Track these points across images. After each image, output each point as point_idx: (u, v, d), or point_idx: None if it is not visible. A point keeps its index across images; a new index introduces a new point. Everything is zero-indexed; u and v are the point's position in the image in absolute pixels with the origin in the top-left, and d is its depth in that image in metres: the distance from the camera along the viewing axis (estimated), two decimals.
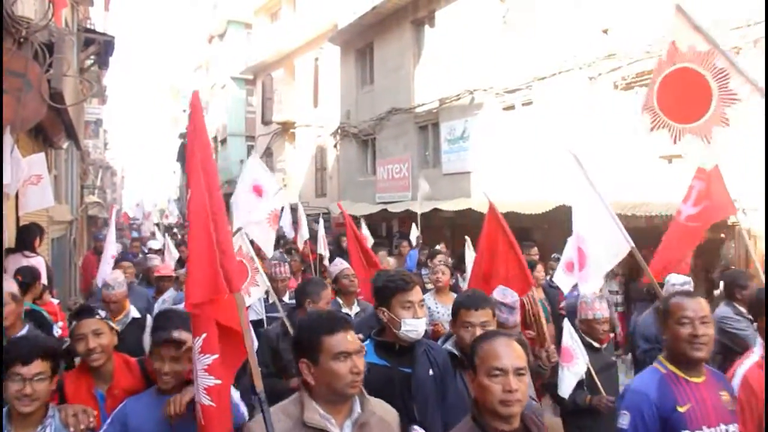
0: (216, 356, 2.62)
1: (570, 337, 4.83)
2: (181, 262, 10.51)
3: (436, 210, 14.68)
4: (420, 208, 14.18)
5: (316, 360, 2.48)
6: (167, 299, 7.23)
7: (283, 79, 26.64)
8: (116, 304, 5.43)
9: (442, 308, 6.30)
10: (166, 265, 9.29)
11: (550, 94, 12.57)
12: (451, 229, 15.77)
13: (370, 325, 4.13)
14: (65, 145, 13.20)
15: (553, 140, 12.29)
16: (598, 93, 11.45)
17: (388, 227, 19.45)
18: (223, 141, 35.30)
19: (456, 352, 3.53)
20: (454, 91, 15.39)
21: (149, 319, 5.21)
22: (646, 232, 10.70)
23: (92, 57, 13.00)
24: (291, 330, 4.54)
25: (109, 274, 6.49)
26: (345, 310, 5.54)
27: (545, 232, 12.79)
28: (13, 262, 6.10)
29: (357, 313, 5.76)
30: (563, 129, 12.08)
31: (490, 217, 5.28)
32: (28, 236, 6.83)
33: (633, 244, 5.01)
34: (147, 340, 4.58)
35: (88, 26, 14.08)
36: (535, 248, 9.54)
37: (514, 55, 13.52)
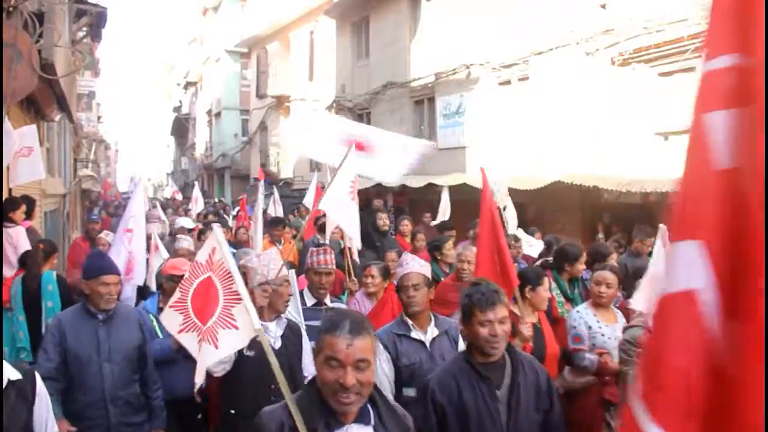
0: None
1: None
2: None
3: (430, 185, 14.64)
4: (413, 182, 14.14)
5: None
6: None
7: (278, 52, 26.41)
8: None
9: (607, 329, 4.72)
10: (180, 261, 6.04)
11: (547, 69, 12.49)
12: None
13: None
14: (57, 118, 13.11)
15: (550, 116, 12.25)
16: (595, 68, 11.38)
17: (383, 202, 19.41)
18: (218, 115, 35.08)
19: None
20: (450, 65, 15.27)
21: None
22: (641, 209, 10.74)
23: (84, 29, 12.84)
24: None
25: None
26: (417, 335, 3.88)
27: (540, 208, 12.79)
28: None
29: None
30: (559, 105, 12.03)
31: (484, 203, 4.97)
32: (9, 207, 6.81)
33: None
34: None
35: None
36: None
37: (510, 30, 13.40)
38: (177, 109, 49.42)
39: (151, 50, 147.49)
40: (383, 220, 9.68)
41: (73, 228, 18.75)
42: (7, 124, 5.95)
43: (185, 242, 7.36)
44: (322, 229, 9.64)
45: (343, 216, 5.62)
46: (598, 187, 10.04)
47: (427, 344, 3.82)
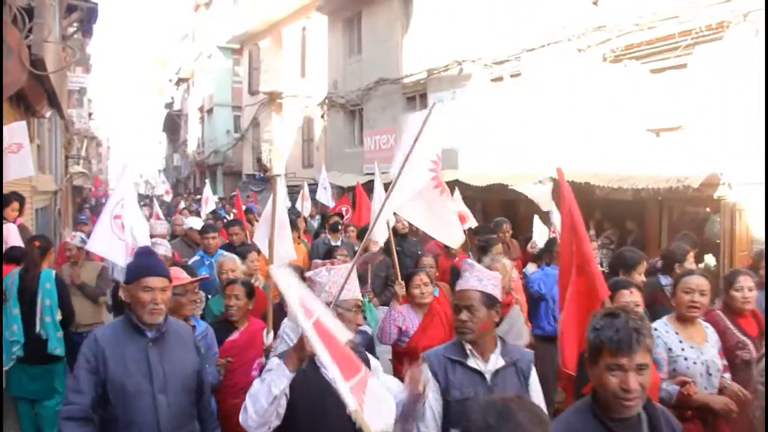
0: None
1: None
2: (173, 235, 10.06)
3: None
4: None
5: None
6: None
7: (270, 48, 26.34)
8: None
9: (692, 351, 3.87)
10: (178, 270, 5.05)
11: (539, 65, 12.49)
12: None
13: None
14: (48, 114, 13.04)
15: (541, 112, 12.25)
16: (587, 65, 11.39)
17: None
18: (210, 111, 34.97)
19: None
20: (442, 61, 15.26)
21: None
22: (633, 206, 10.77)
23: (75, 24, 12.80)
24: None
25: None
26: (475, 363, 3.17)
27: (531, 205, 12.79)
28: None
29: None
30: (551, 101, 12.03)
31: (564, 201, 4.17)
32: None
33: None
34: None
35: None
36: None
37: (503, 26, 13.40)
38: (169, 105, 49.26)
39: (142, 46, 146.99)
40: (401, 222, 8.58)
41: (64, 225, 18.66)
42: None
43: (161, 248, 6.41)
44: (333, 229, 9.48)
45: (421, 214, 4.72)
46: (590, 183, 10.05)
47: (488, 377, 3.07)
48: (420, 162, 4.18)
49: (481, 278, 3.22)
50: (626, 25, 10.56)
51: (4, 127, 6.42)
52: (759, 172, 8.00)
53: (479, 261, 5.64)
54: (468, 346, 3.10)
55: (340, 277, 3.21)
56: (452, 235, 5.33)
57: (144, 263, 3.30)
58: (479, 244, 6.90)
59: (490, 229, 8.46)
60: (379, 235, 5.92)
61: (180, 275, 4.27)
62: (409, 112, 17.39)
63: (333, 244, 8.85)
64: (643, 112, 10.37)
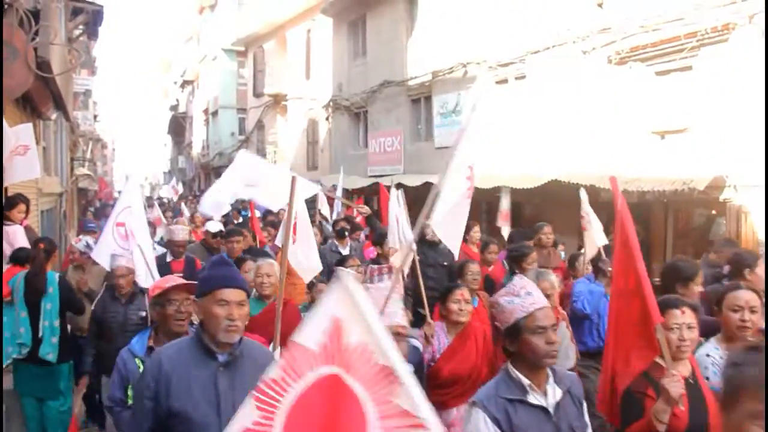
0: None
1: None
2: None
3: (427, 183, 14.64)
4: (410, 181, 14.13)
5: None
6: None
7: (274, 51, 26.37)
8: None
9: None
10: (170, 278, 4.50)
11: (544, 68, 12.48)
12: None
13: None
14: (54, 116, 13.07)
15: (546, 114, 12.24)
16: (592, 67, 11.38)
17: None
18: (215, 113, 35.02)
19: None
20: (447, 64, 15.25)
21: None
22: (638, 208, 10.74)
23: (81, 27, 12.84)
24: None
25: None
26: (536, 399, 2.74)
27: (537, 207, 12.78)
28: None
29: None
30: (556, 103, 12.02)
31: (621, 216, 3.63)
32: (7, 206, 6.82)
33: None
34: None
35: None
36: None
37: (507, 29, 13.39)
38: (174, 107, 49.32)
39: (147, 48, 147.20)
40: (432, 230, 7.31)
41: (69, 227, 18.70)
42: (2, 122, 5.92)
43: (122, 260, 5.76)
44: (340, 235, 9.13)
45: (450, 229, 4.55)
46: (594, 185, 10.03)
47: (551, 411, 2.69)
48: (459, 170, 4.06)
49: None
50: (631, 27, 10.55)
51: (11, 130, 6.43)
52: (763, 175, 7.98)
53: (511, 272, 5.39)
54: (526, 381, 2.70)
55: (381, 298, 2.76)
56: (458, 242, 5.12)
57: (220, 273, 2.87)
58: (511, 254, 6.23)
59: (527, 234, 7.57)
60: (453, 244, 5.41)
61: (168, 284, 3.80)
62: (414, 114, 17.42)
63: (341, 251, 8.63)
64: (648, 114, 10.35)
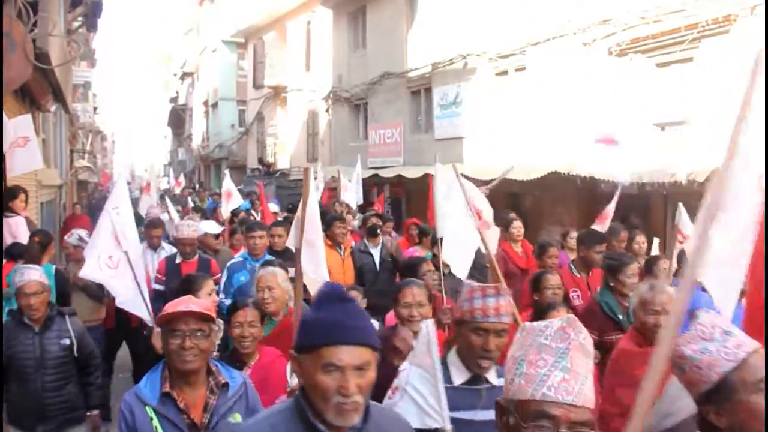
0: None
1: None
2: None
3: (427, 175, 14.65)
4: (409, 173, 14.12)
5: None
6: None
7: (274, 42, 26.30)
8: None
9: None
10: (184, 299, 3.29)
11: (544, 59, 12.45)
12: None
13: None
14: (53, 108, 13.06)
15: (546, 106, 12.22)
16: (592, 59, 11.35)
17: (379, 193, 19.42)
18: (215, 105, 34.99)
19: None
20: (447, 55, 15.23)
21: None
22: (637, 200, 10.74)
23: (80, 18, 12.81)
24: None
25: None
26: None
27: (536, 199, 12.79)
28: None
29: None
30: (556, 95, 12.00)
31: None
32: (9, 197, 6.81)
33: None
34: None
35: None
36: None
37: (507, 20, 13.36)
38: (173, 99, 49.32)
39: (147, 40, 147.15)
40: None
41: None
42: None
43: (35, 273, 4.54)
44: (371, 232, 7.95)
45: (459, 244, 4.27)
46: (594, 177, 10.03)
47: None
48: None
49: None
50: (632, 18, 10.52)
51: (10, 122, 6.43)
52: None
53: (606, 285, 4.76)
54: None
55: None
56: (462, 263, 4.76)
57: (329, 318, 1.81)
58: (609, 263, 4.95)
59: (601, 236, 6.41)
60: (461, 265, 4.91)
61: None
62: (414, 106, 17.39)
63: (371, 251, 7.64)
64: (648, 106, 10.33)
